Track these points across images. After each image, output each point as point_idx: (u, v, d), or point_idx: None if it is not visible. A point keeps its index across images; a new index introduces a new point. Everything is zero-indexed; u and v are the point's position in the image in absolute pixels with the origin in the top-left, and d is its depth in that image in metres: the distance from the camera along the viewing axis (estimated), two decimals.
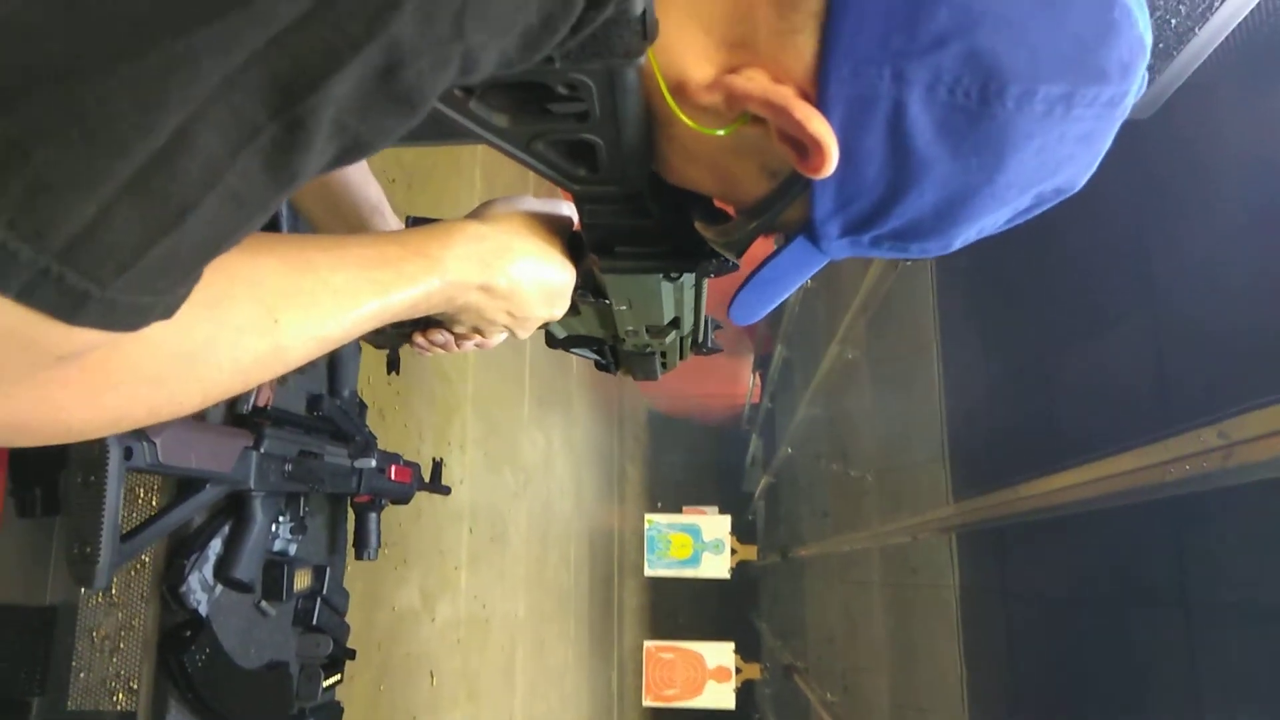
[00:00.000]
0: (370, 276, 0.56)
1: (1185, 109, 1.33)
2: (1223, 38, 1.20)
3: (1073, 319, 2.38)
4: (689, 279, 0.77)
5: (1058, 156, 0.50)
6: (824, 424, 6.25)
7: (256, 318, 0.48)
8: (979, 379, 3.18)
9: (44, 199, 0.30)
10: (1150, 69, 1.32)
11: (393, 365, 1.76)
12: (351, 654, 1.51)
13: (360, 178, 0.91)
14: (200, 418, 1.16)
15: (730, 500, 12.23)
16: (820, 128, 0.48)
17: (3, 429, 0.39)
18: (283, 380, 1.30)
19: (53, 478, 1.29)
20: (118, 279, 0.33)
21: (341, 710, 1.54)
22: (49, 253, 0.31)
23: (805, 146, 0.50)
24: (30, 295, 0.31)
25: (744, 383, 12.64)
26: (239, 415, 1.21)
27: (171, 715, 1.14)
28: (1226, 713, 1.71)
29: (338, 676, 1.47)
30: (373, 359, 2.01)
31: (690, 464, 14.22)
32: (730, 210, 0.63)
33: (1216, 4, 1.14)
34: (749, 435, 12.46)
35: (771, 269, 0.61)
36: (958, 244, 0.57)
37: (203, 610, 1.15)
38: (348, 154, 0.38)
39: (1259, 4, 1.14)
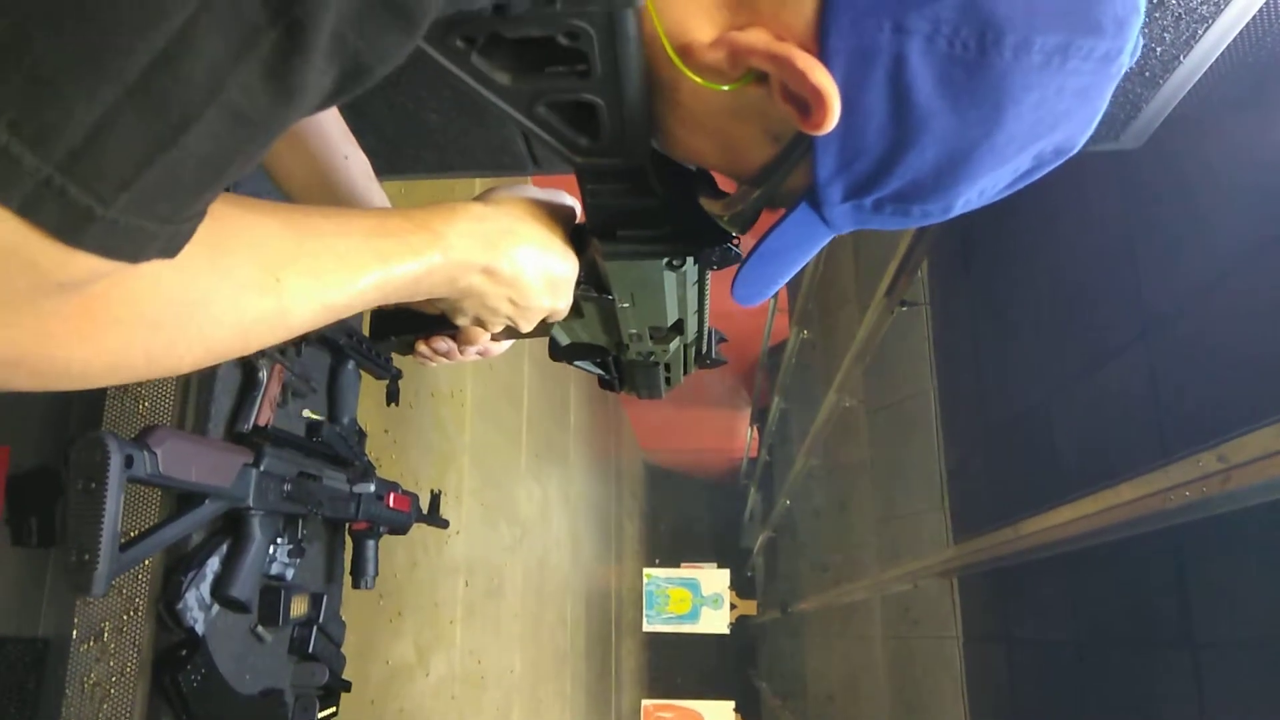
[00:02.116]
0: (374, 245, 0.56)
1: (1175, 138, 1.36)
2: (1209, 65, 1.22)
3: (1069, 352, 2.38)
4: (692, 271, 0.76)
5: (1055, 111, 0.50)
6: (823, 475, 6.22)
7: (259, 275, 0.48)
8: (976, 419, 3.18)
9: (45, 94, 0.29)
10: (1137, 97, 1.35)
11: (391, 397, 1.75)
12: (347, 685, 1.49)
13: (365, 184, 0.92)
14: (201, 432, 1.16)
15: (729, 555, 12.11)
16: (822, 78, 0.48)
17: (1, 364, 0.38)
18: (283, 402, 1.30)
19: (49, 507, 1.28)
20: (120, 195, 0.33)
21: None
22: (51, 161, 0.31)
23: (807, 103, 0.50)
24: (33, 209, 0.31)
25: (741, 436, 12.61)
26: (239, 433, 1.21)
27: None
28: None
29: (333, 709, 1.44)
30: (371, 401, 2.01)
31: (688, 519, 14.10)
32: (734, 188, 0.64)
33: (1201, 31, 1.16)
34: (747, 489, 12.39)
35: (774, 239, 0.60)
36: (959, 206, 0.57)
37: (199, 629, 1.13)
38: (349, 79, 0.39)
39: (1243, 31, 1.17)
